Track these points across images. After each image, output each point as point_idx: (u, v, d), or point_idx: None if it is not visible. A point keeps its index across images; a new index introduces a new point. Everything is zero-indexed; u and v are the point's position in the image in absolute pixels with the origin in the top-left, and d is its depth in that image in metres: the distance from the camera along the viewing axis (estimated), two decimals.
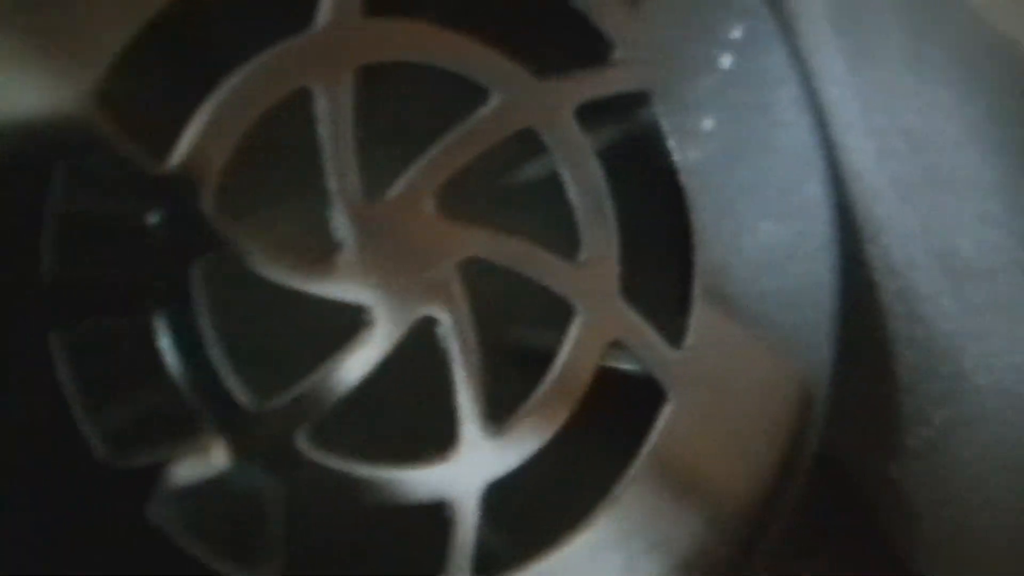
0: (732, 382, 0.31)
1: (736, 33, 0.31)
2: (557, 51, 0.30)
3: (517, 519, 0.30)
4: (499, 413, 0.30)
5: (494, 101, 0.29)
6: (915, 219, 0.32)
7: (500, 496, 0.30)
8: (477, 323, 0.29)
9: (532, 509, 0.30)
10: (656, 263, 0.31)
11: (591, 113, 0.30)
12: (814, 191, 0.32)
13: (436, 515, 0.29)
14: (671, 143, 0.31)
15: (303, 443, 0.28)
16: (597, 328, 0.30)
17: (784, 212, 0.31)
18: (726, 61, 0.31)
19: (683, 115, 0.31)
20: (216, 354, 0.28)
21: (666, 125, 0.31)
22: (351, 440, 0.29)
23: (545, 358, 0.30)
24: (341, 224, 0.28)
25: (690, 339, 0.31)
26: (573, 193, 0.30)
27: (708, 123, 0.31)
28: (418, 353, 0.29)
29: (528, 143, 0.30)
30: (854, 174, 0.32)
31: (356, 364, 0.28)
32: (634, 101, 0.31)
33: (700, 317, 0.30)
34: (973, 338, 0.32)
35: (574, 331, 0.30)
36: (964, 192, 0.33)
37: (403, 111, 0.30)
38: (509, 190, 0.32)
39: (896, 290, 0.32)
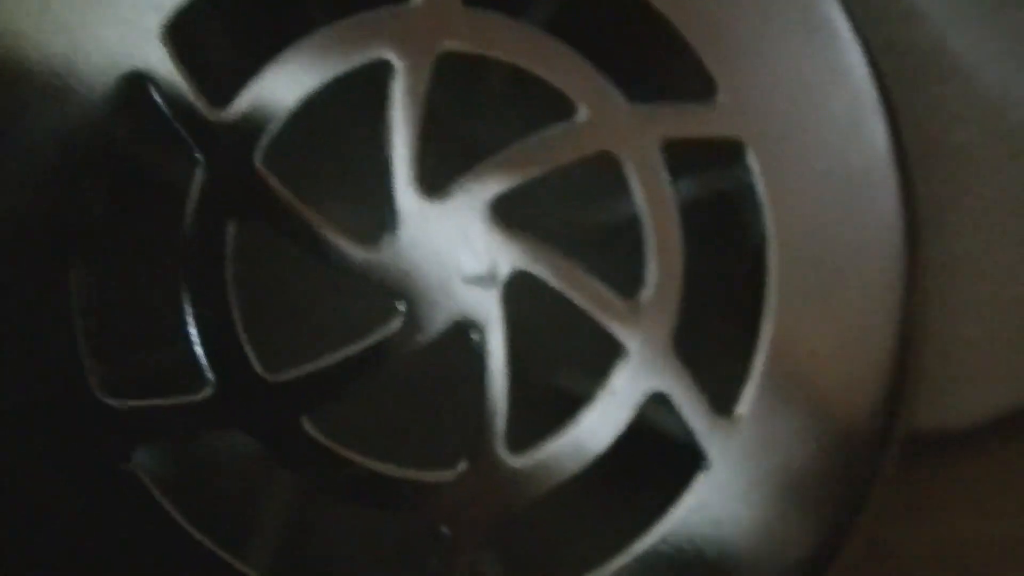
0: (776, 461, 0.28)
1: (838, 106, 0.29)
2: (658, 84, 0.28)
3: (520, 558, 0.28)
4: (518, 444, 0.27)
5: (578, 117, 0.27)
6: None
7: (506, 530, 0.27)
8: (513, 345, 0.27)
9: (540, 551, 0.28)
10: (721, 326, 0.29)
11: (681, 160, 0.28)
12: None
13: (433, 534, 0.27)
14: (762, 201, 0.29)
15: (308, 422, 0.26)
16: (642, 375, 0.28)
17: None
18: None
19: (779, 176, 0.29)
20: (238, 318, 0.26)
21: (759, 184, 0.29)
22: (359, 431, 0.27)
23: (577, 400, 0.28)
24: (394, 212, 0.27)
25: (741, 409, 0.28)
26: (644, 228, 0.28)
27: (805, 189, 0.29)
28: (445, 360, 0.27)
29: (606, 181, 0.28)
30: None
31: (377, 355, 0.27)
32: (729, 155, 0.29)
33: (755, 390, 0.28)
34: None
35: (617, 373, 0.28)
36: None
37: (476, 110, 0.28)
38: (577, 220, 0.30)
39: None
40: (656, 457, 0.29)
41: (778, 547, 0.29)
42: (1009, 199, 0.38)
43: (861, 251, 0.29)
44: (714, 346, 0.29)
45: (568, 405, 0.28)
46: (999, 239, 0.38)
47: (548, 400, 0.29)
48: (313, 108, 0.27)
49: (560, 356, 0.29)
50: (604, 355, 0.28)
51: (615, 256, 0.28)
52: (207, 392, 0.26)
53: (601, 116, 0.28)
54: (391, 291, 0.27)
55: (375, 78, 0.27)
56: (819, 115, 0.29)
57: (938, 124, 0.36)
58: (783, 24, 0.29)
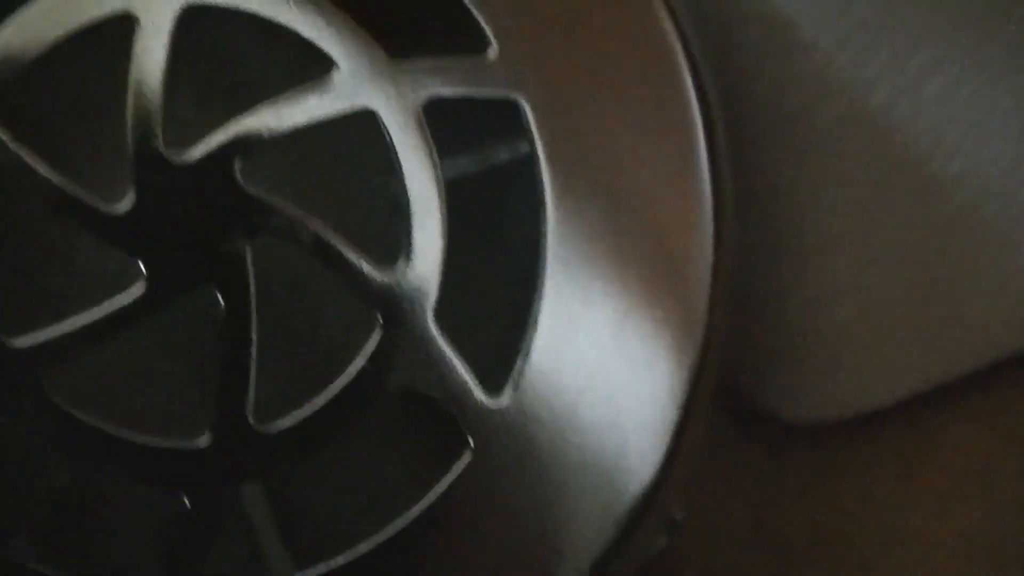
0: (548, 445, 0.27)
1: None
2: (430, 40, 0.27)
3: (294, 525, 0.28)
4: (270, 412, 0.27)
5: (335, 72, 0.26)
6: None
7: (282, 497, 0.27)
8: (269, 311, 0.26)
9: (313, 518, 0.28)
10: (493, 303, 0.27)
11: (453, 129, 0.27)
12: None
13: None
14: (542, 172, 0.27)
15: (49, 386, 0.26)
16: (398, 348, 0.27)
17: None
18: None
19: (563, 147, 0.27)
20: None
21: (539, 150, 0.27)
22: (103, 396, 0.26)
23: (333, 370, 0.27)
24: (138, 170, 0.26)
25: (509, 391, 0.27)
26: (403, 194, 0.27)
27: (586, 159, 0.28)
28: (191, 325, 0.26)
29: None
30: None
31: (119, 319, 0.26)
32: (503, 119, 0.27)
33: (527, 371, 0.27)
34: None
35: (370, 344, 0.27)
36: None
37: (229, 66, 0.27)
38: (344, 176, 0.29)
39: None
40: (433, 429, 0.28)
41: (549, 526, 0.28)
42: (880, 179, 0.37)
43: (662, 234, 0.28)
44: (485, 324, 0.28)
45: (325, 374, 0.27)
46: (872, 221, 0.37)
47: (304, 369, 0.28)
48: (59, 63, 0.26)
49: (313, 325, 0.28)
50: (358, 324, 0.27)
51: (381, 226, 0.27)
52: None
53: (358, 71, 0.26)
54: (133, 252, 0.26)
55: (123, 31, 0.26)
56: (615, 77, 0.28)
57: (805, 99, 0.35)
58: None
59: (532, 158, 0.27)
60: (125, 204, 0.26)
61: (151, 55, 0.26)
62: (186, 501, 0.27)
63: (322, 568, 0.27)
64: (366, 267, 0.27)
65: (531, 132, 0.27)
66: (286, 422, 0.27)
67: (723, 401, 0.42)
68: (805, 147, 0.35)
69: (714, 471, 0.41)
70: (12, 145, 0.26)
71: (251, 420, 0.27)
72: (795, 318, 0.38)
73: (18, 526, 0.27)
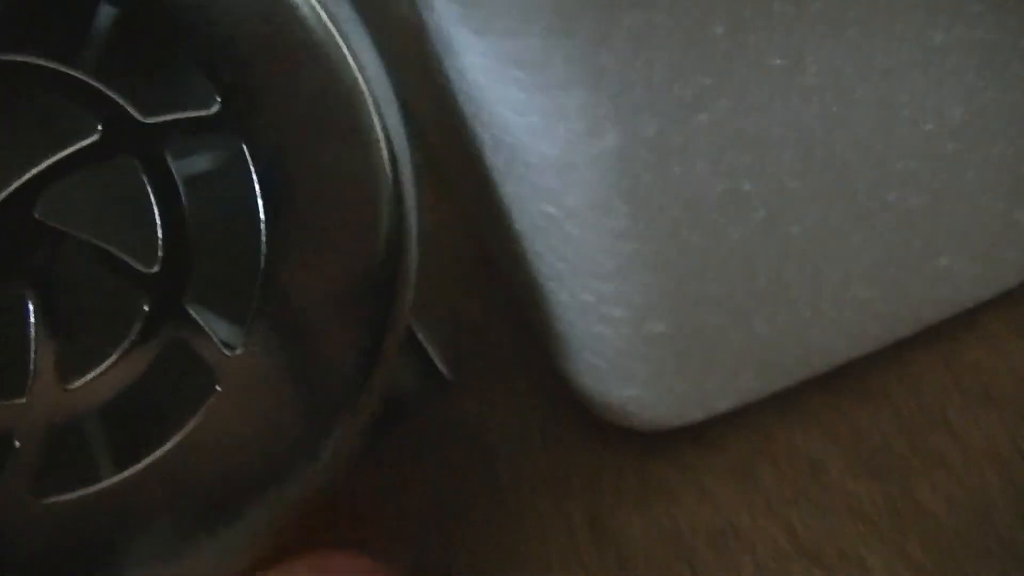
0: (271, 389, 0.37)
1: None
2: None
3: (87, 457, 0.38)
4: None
5: (95, 134, 0.37)
6: None
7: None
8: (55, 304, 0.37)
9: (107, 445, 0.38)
10: (230, 276, 0.38)
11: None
12: None
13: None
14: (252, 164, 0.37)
15: None
16: (164, 325, 0.37)
17: None
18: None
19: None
20: None
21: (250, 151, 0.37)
22: None
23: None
24: None
25: (241, 346, 0.37)
26: (153, 214, 0.37)
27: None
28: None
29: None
30: None
31: None
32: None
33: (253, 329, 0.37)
34: None
35: (138, 324, 0.37)
36: None
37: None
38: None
39: None
40: (187, 379, 0.38)
41: (276, 461, 0.37)
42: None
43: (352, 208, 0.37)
44: (225, 294, 0.38)
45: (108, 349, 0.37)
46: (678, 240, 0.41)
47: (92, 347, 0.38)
48: None
49: (95, 313, 0.38)
50: (129, 313, 0.37)
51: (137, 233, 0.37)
52: None
53: (118, 130, 0.37)
54: None
55: None
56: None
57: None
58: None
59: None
60: None
61: None
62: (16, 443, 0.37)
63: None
64: (133, 263, 0.37)
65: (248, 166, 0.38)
66: (80, 384, 0.37)
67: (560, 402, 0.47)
68: None
69: (551, 472, 0.46)
70: None
71: (51, 384, 0.37)
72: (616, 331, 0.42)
73: None
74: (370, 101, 0.37)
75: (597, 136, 0.37)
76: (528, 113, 0.38)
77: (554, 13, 0.35)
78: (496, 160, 0.41)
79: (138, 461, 0.37)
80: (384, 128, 0.38)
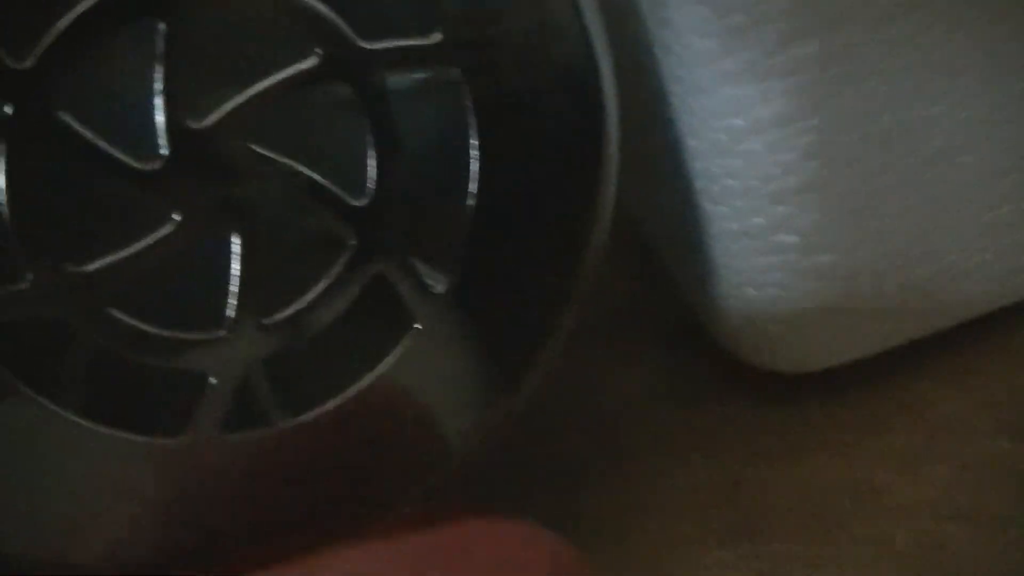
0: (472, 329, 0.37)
1: None
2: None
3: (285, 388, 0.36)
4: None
5: (313, 58, 0.35)
6: None
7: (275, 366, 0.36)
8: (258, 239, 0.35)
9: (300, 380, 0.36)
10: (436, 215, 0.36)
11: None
12: None
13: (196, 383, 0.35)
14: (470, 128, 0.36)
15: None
16: (362, 264, 0.36)
17: None
18: None
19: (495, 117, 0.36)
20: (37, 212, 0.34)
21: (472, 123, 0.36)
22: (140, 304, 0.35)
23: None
24: (162, 137, 0.34)
25: (442, 286, 0.36)
26: (367, 148, 0.35)
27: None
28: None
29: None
30: None
31: (155, 254, 0.35)
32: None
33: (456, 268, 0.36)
34: None
35: (344, 257, 0.35)
36: None
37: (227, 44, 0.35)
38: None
39: None
40: (383, 316, 0.36)
41: (473, 396, 0.37)
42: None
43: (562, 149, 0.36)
44: (428, 231, 0.36)
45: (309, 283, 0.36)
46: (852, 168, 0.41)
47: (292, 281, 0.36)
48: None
49: (296, 246, 0.37)
50: (332, 247, 0.36)
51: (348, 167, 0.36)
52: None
53: (336, 55, 0.35)
54: (166, 204, 0.35)
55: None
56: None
57: None
58: None
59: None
60: (158, 165, 0.34)
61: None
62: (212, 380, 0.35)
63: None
64: (343, 196, 0.35)
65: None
66: (279, 319, 0.36)
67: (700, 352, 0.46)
68: None
69: (677, 432, 0.46)
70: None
71: (250, 318, 0.35)
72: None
73: None
74: (600, 57, 0.36)
75: (800, 39, 0.37)
76: (730, 13, 0.37)
77: None
78: (682, 72, 0.40)
79: (333, 398, 0.35)
80: (608, 89, 0.37)
